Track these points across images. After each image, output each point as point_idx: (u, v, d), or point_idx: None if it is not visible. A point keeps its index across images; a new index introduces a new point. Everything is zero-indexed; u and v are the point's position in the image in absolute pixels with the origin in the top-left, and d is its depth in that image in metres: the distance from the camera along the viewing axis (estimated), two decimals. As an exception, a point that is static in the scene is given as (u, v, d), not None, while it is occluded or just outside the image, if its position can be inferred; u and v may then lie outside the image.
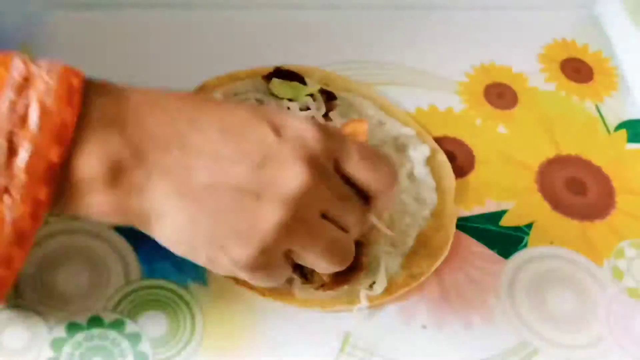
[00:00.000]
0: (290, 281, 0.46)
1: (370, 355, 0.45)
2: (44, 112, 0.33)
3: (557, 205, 0.53)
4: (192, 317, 0.45)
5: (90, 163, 0.34)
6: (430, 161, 0.53)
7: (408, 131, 0.54)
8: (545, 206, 0.53)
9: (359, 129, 0.49)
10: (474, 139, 0.56)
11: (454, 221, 0.51)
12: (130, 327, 0.44)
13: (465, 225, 0.51)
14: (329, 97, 0.53)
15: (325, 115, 0.51)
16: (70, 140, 0.33)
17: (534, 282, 0.49)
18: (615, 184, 0.55)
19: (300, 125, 0.37)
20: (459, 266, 0.49)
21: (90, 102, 0.34)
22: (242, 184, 0.35)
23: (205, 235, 0.36)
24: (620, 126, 0.59)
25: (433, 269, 0.48)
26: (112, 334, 0.44)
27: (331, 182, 0.37)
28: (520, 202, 0.53)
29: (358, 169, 0.38)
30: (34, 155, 0.32)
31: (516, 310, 0.48)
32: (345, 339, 0.45)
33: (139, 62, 0.57)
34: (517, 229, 0.52)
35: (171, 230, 0.36)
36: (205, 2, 0.61)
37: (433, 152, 0.53)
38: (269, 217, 0.35)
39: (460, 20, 0.64)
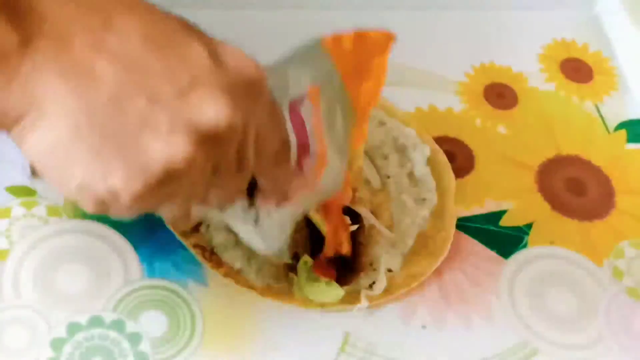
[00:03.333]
0: (290, 281, 0.46)
1: (370, 355, 0.45)
2: None
3: (557, 205, 0.53)
4: (192, 317, 0.45)
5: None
6: (430, 161, 0.53)
7: (408, 131, 0.54)
8: (545, 206, 0.53)
9: None
10: (473, 139, 0.56)
11: (454, 221, 0.51)
12: (130, 327, 0.44)
13: (465, 225, 0.51)
14: (328, 97, 0.53)
15: (325, 116, 0.51)
16: None
17: (534, 282, 0.49)
18: (615, 184, 0.55)
19: (242, 58, 0.32)
20: (459, 266, 0.49)
21: None
22: (157, 104, 0.29)
23: (89, 151, 0.29)
24: (620, 126, 0.59)
25: (433, 269, 0.48)
26: (113, 333, 0.44)
27: (248, 138, 0.32)
28: (520, 202, 0.53)
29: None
30: None
31: (516, 310, 0.48)
32: (345, 339, 0.46)
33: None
34: (517, 229, 0.52)
35: (47, 137, 0.29)
36: (203, 2, 0.61)
37: (433, 152, 0.53)
38: (172, 149, 0.29)
39: (460, 20, 0.64)
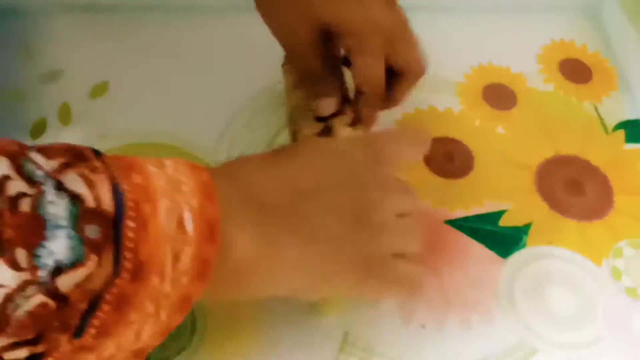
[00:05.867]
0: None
1: (369, 354, 0.45)
2: (195, 214, 0.32)
3: (556, 205, 0.54)
4: (193, 317, 0.45)
5: (245, 246, 0.35)
6: None
7: (407, 132, 0.54)
8: (544, 206, 0.53)
9: None
10: (473, 140, 0.56)
11: None
12: (130, 327, 0.44)
13: (464, 225, 0.51)
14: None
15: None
16: (219, 235, 0.33)
17: (533, 282, 0.49)
18: (613, 184, 0.55)
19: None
20: (458, 266, 0.49)
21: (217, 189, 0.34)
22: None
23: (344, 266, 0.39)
24: (618, 126, 0.59)
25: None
26: (113, 334, 0.44)
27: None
28: (519, 203, 0.53)
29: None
30: (194, 258, 0.31)
31: (515, 310, 0.48)
32: (345, 339, 0.46)
33: (138, 65, 0.57)
34: (515, 229, 0.52)
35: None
36: (204, 3, 0.62)
37: None
38: (378, 239, 0.39)
39: (459, 21, 0.64)
